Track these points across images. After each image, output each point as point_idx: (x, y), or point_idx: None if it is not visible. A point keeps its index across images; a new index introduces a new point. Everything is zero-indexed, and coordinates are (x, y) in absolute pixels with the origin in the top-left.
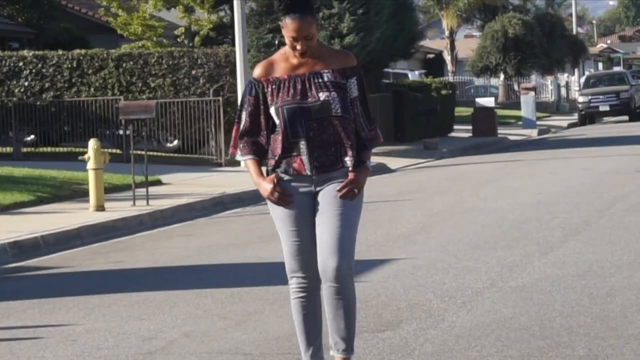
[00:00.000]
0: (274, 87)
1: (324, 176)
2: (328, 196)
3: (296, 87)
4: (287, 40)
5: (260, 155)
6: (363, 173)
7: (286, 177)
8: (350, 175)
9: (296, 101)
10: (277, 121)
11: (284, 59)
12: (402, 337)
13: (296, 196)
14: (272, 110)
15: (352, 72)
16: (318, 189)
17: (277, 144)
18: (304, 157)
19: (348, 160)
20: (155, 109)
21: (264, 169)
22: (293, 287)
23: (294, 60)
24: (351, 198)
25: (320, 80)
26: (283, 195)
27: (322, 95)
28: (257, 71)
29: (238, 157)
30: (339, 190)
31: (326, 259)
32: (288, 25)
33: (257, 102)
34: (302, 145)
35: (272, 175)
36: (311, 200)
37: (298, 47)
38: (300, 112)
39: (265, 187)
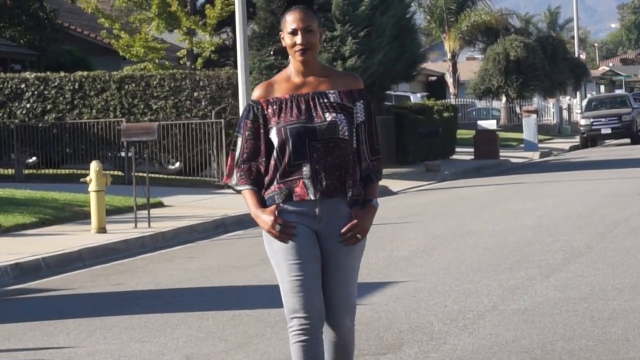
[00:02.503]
0: (275, 107)
1: (328, 207)
2: (331, 243)
3: (300, 107)
4: (287, 41)
5: (258, 185)
6: (369, 215)
7: (289, 208)
8: (355, 218)
9: (301, 121)
10: (276, 142)
11: (286, 79)
12: None
13: (299, 227)
14: (272, 132)
15: (360, 95)
16: (321, 226)
17: (277, 168)
18: (307, 181)
19: (349, 189)
20: (157, 131)
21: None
22: (293, 330)
23: (297, 79)
24: (354, 243)
25: (325, 100)
26: (285, 228)
27: (329, 116)
28: (256, 93)
29: (235, 187)
30: (342, 234)
31: (330, 314)
32: (288, 19)
33: (255, 125)
34: (306, 167)
35: (273, 207)
36: (314, 234)
37: (298, 40)
38: (305, 132)
39: (265, 219)
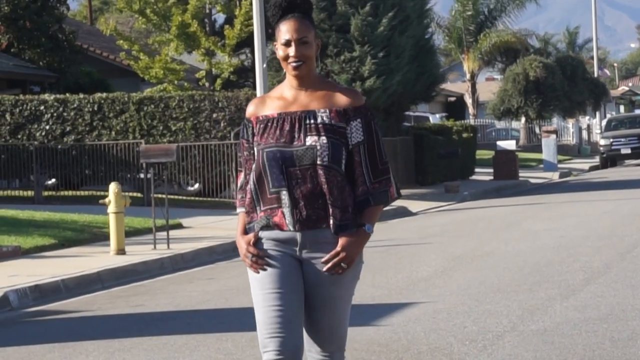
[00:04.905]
0: (261, 126)
1: (311, 236)
2: (315, 272)
3: (283, 128)
4: (280, 53)
5: None
6: (357, 242)
7: (267, 237)
8: (339, 245)
9: (280, 144)
10: (260, 165)
11: (279, 95)
12: None
13: (279, 255)
14: (256, 153)
15: (356, 113)
16: (305, 255)
17: (257, 193)
18: (286, 210)
19: (333, 217)
20: (176, 153)
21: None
22: None
23: (289, 95)
24: (339, 273)
25: (312, 121)
26: (258, 258)
27: (309, 140)
28: (249, 109)
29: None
30: (325, 262)
31: (315, 345)
32: (281, 29)
33: (250, 145)
34: (284, 195)
35: (251, 235)
36: (297, 263)
37: (291, 52)
38: (282, 157)
39: (241, 247)
